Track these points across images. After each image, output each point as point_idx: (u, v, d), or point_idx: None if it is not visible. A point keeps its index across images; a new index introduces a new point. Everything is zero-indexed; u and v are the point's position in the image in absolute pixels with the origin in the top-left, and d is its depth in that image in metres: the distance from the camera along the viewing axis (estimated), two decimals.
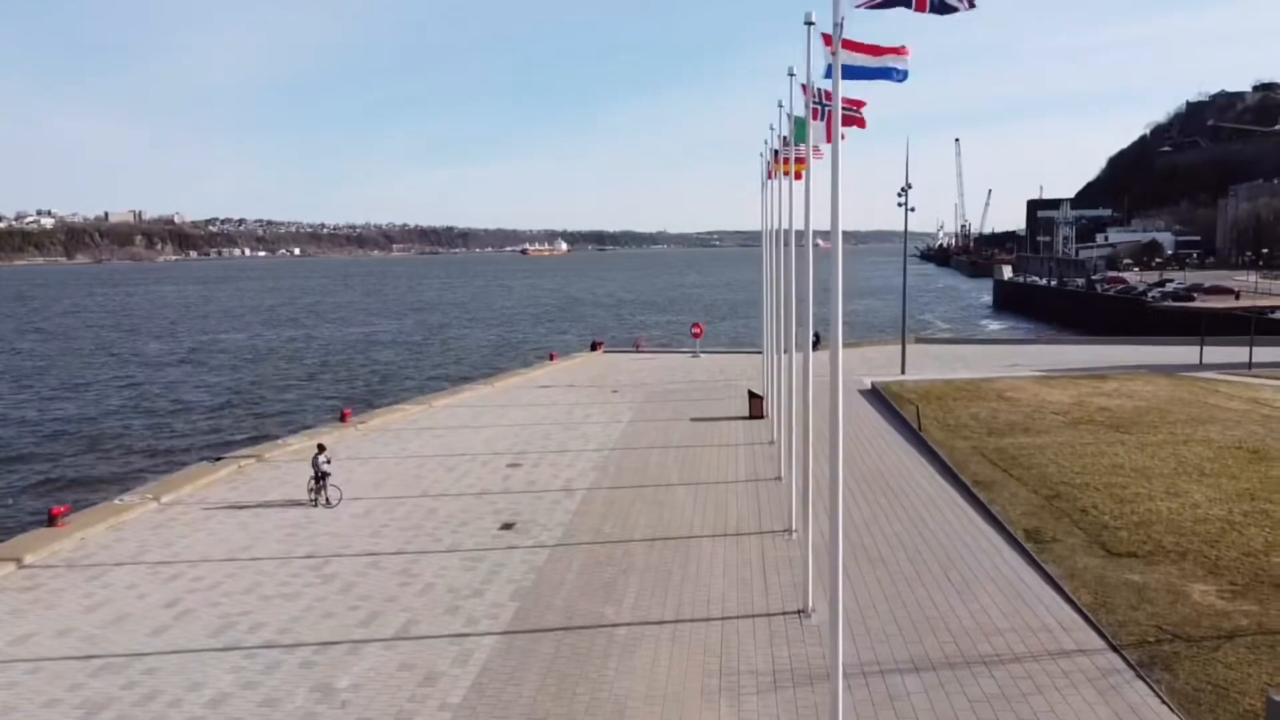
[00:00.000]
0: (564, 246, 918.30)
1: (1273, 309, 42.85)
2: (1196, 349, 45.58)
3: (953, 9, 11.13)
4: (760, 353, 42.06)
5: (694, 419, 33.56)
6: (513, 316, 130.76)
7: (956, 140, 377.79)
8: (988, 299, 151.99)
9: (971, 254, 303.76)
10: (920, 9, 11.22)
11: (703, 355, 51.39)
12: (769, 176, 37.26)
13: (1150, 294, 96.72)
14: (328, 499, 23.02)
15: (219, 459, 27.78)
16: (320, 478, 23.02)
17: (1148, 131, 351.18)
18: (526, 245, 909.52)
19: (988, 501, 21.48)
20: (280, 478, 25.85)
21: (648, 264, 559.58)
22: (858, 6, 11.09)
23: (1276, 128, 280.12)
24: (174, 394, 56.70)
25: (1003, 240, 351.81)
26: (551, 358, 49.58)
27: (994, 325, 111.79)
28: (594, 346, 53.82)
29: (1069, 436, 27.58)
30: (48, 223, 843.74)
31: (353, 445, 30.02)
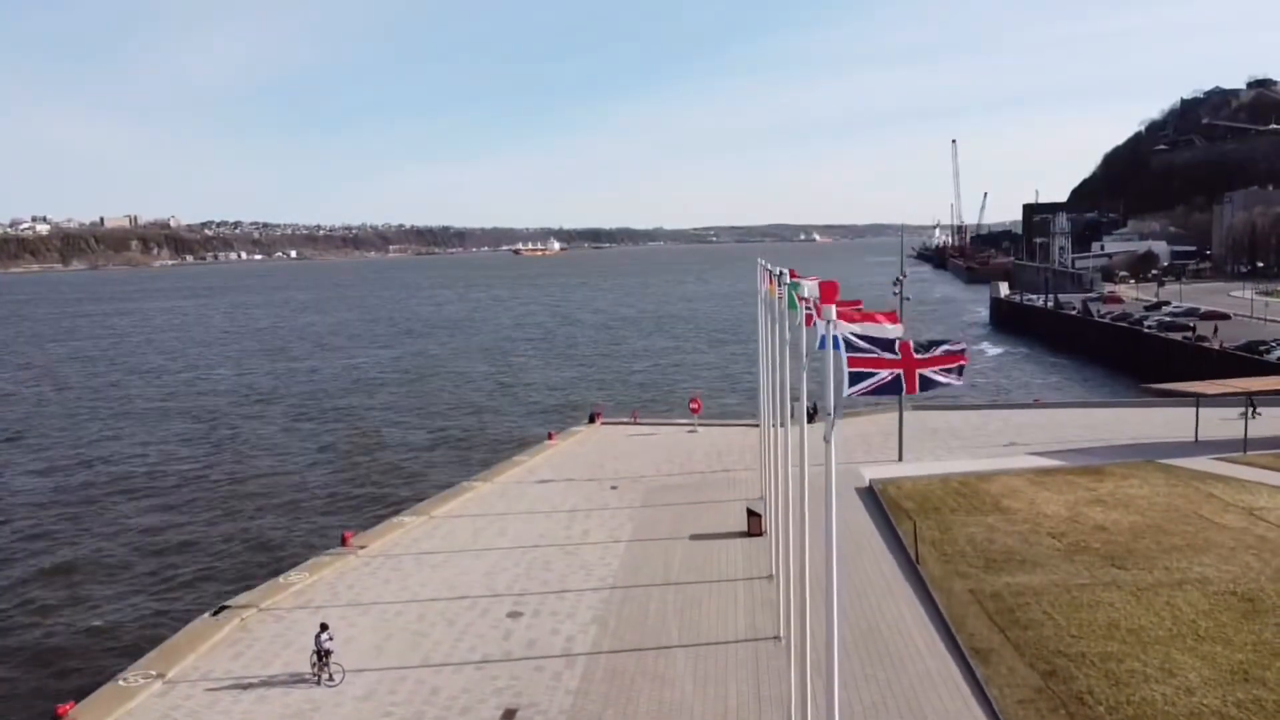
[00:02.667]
0: (556, 246, 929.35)
1: (1264, 392, 43.00)
2: (1192, 410, 45.24)
3: (940, 384, 11.37)
4: (758, 425, 42.50)
5: (693, 536, 33.76)
6: (510, 348, 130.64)
7: (953, 142, 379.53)
8: (984, 314, 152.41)
9: (968, 255, 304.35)
10: (910, 391, 11.48)
11: (700, 429, 51.59)
12: (764, 284, 37.53)
13: (1146, 323, 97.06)
14: (330, 674, 23.21)
15: (222, 609, 27.91)
16: (323, 654, 23.21)
17: (1143, 128, 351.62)
18: (519, 246, 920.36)
19: (984, 681, 21.67)
20: (284, 636, 26.01)
21: (644, 265, 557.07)
22: (848, 395, 11.29)
23: (1271, 127, 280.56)
24: (161, 499, 51.46)
25: (999, 240, 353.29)
26: (550, 437, 49.76)
27: (992, 350, 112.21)
28: (592, 418, 54.09)
29: (1065, 573, 27.77)
30: (43, 229, 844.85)
31: (355, 581, 30.19)
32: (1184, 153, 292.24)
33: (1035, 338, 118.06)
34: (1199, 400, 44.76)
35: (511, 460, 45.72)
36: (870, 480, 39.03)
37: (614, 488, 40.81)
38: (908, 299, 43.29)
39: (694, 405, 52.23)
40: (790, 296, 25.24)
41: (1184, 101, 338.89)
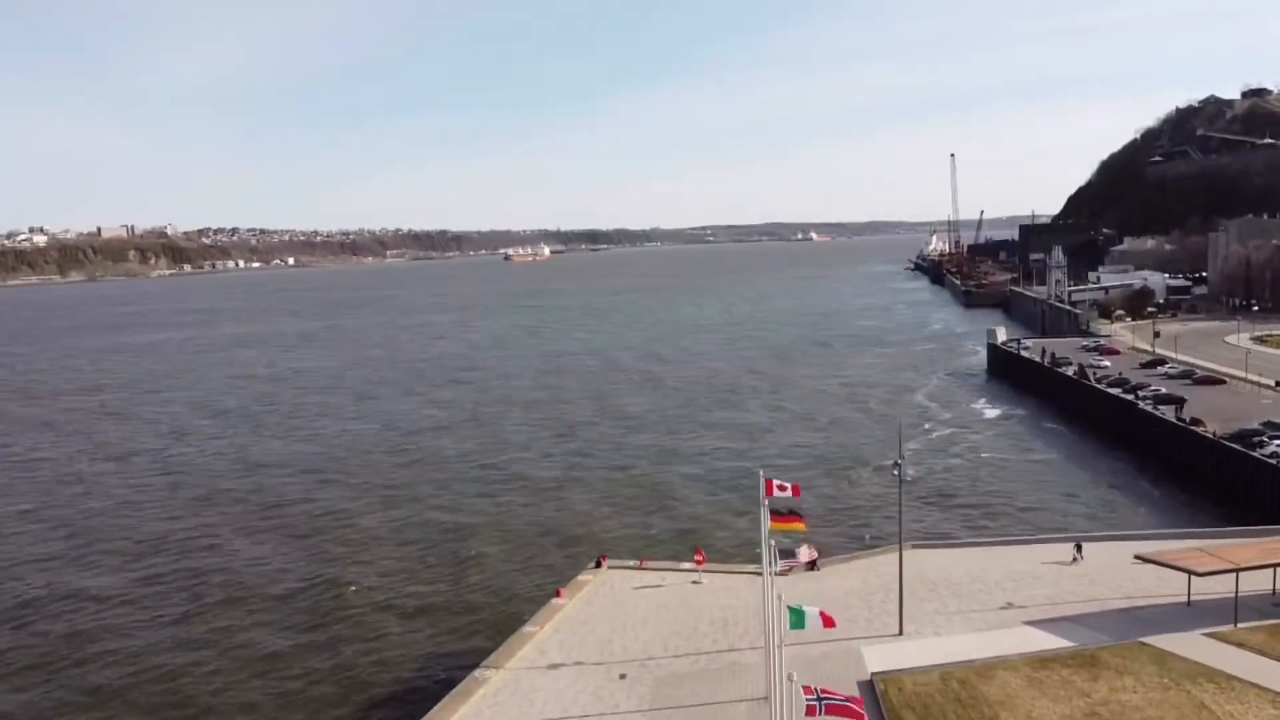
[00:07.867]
0: (546, 251, 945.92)
1: (1254, 567, 44.21)
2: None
3: None
4: (760, 574, 43.81)
5: None
6: (496, 439, 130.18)
7: (952, 156, 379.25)
8: (982, 355, 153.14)
9: (965, 272, 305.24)
10: None
11: (704, 578, 52.78)
12: (767, 494, 38.72)
13: (1141, 394, 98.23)
14: None
15: None
16: None
17: (1138, 136, 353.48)
18: (510, 251, 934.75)
19: None
20: None
21: (641, 272, 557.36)
22: None
23: (1266, 141, 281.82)
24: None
25: (995, 250, 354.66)
26: (559, 594, 50.92)
27: (990, 413, 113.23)
28: (598, 562, 55.27)
29: None
30: (40, 240, 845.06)
31: None
32: (1179, 165, 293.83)
33: (1032, 394, 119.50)
34: (1190, 582, 46.08)
35: (520, 634, 46.72)
36: (872, 674, 40.16)
37: (623, 676, 41.86)
38: (907, 479, 44.45)
39: (698, 557, 53.51)
40: (794, 618, 26.52)
41: (1179, 110, 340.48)
